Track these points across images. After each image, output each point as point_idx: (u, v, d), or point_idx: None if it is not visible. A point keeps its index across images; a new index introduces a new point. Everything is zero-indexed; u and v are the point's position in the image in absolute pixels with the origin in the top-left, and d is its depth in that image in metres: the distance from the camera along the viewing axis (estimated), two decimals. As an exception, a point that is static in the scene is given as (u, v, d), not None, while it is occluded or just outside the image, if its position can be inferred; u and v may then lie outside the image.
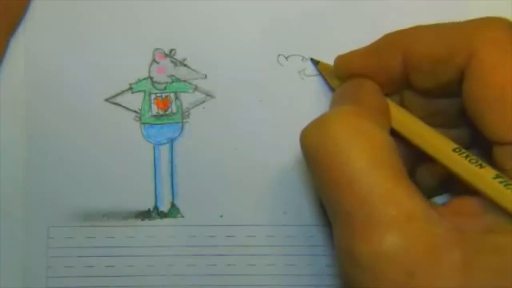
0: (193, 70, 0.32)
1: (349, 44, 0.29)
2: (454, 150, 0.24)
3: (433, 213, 0.21)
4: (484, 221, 0.22)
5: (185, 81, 0.32)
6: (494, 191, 0.22)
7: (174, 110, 0.32)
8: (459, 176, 0.23)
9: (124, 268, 0.31)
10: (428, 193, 0.27)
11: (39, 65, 0.32)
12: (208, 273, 0.31)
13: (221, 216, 0.31)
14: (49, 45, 0.32)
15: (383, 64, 0.26)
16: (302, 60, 0.32)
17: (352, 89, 0.27)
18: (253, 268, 0.31)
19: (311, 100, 0.32)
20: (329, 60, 0.31)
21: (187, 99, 0.32)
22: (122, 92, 0.32)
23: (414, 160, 0.27)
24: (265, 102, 0.32)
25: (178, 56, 0.32)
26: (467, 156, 0.23)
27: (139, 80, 0.32)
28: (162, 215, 0.31)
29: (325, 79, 0.31)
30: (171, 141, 0.32)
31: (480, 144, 0.26)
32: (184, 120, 0.32)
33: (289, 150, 0.31)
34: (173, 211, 0.31)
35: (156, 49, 0.32)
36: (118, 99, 0.32)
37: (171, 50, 0.32)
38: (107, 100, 0.32)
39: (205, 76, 0.32)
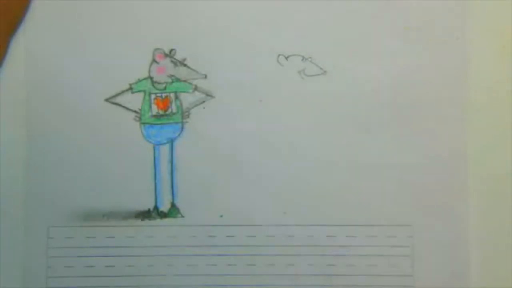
0: (193, 70, 0.32)
1: (349, 44, 0.29)
2: None
3: None
4: None
5: (185, 81, 0.32)
6: None
7: (174, 110, 0.32)
8: None
9: (124, 268, 0.31)
10: None
11: (39, 65, 0.32)
12: (208, 273, 0.31)
13: (221, 216, 0.31)
14: (49, 45, 0.32)
15: None
16: (302, 60, 0.32)
17: None
18: (253, 268, 0.31)
19: (311, 100, 0.32)
20: (329, 60, 0.31)
21: (187, 99, 0.32)
22: (122, 92, 0.32)
23: None
24: (265, 102, 0.32)
25: (178, 56, 0.32)
26: None
27: (139, 80, 0.32)
28: (162, 215, 0.31)
29: None
30: (171, 141, 0.32)
31: None
32: (184, 120, 0.32)
33: (289, 150, 0.31)
34: (173, 211, 0.31)
35: (156, 49, 0.32)
36: (118, 99, 0.32)
37: (171, 50, 0.32)
38: (107, 100, 0.32)
39: (205, 76, 0.32)
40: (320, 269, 0.31)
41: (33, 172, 0.31)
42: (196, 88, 0.32)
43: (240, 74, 0.32)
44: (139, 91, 0.32)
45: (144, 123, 0.32)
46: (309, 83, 0.32)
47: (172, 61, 0.32)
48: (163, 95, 0.32)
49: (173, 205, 0.31)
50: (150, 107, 0.32)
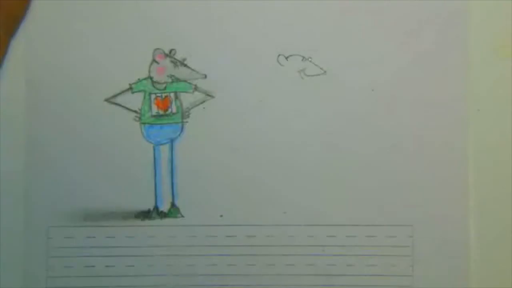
0: (193, 70, 0.32)
1: (349, 44, 0.29)
2: None
3: None
4: None
5: (185, 81, 0.32)
6: None
7: (174, 110, 0.32)
8: None
9: (124, 268, 0.31)
10: None
11: (39, 65, 0.32)
12: (208, 273, 0.31)
13: (221, 216, 0.31)
14: (49, 45, 0.32)
15: None
16: (302, 60, 0.32)
17: None
18: (252, 268, 0.31)
19: (311, 100, 0.32)
20: (329, 59, 0.31)
21: (187, 99, 0.32)
22: (122, 92, 0.32)
23: None
24: (265, 102, 0.32)
25: (178, 56, 0.32)
26: None
27: (139, 80, 0.32)
28: (162, 215, 0.31)
29: None
30: (171, 141, 0.32)
31: None
32: (184, 120, 0.32)
33: (289, 149, 0.31)
34: (173, 211, 0.31)
35: (156, 49, 0.32)
36: (118, 99, 0.32)
37: (171, 50, 0.32)
38: (107, 100, 0.32)
39: (205, 76, 0.32)
40: (320, 269, 0.31)
41: (33, 172, 0.31)
42: (196, 88, 0.32)
43: (240, 74, 0.32)
44: (139, 91, 0.32)
45: (144, 123, 0.32)
46: (309, 83, 0.32)
47: (172, 61, 0.32)
48: (163, 95, 0.32)
49: (173, 205, 0.31)
50: (150, 107, 0.32)
